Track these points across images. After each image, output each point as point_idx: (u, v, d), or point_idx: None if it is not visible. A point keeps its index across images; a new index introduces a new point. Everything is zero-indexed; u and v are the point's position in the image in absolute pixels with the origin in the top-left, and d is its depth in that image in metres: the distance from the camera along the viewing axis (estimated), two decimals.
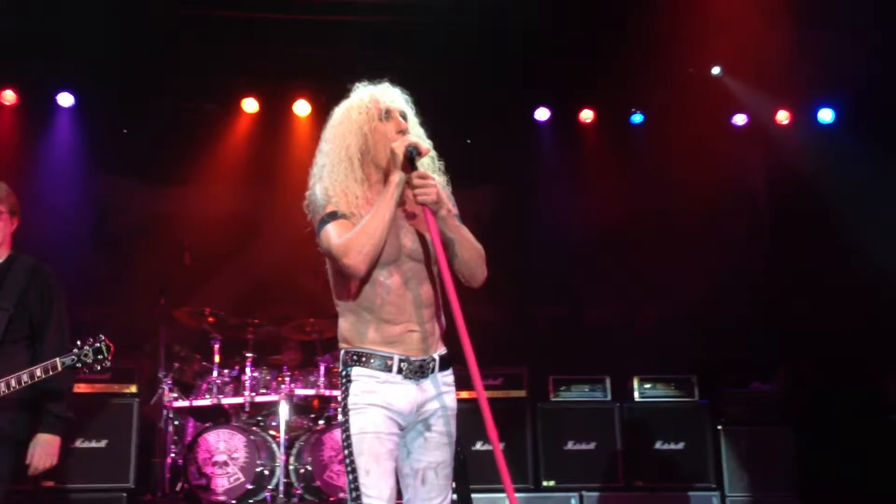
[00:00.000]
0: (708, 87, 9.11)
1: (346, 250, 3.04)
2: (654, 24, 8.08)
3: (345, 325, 3.23)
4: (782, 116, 9.30)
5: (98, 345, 4.07)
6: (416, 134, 3.32)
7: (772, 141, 9.38)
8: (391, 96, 3.29)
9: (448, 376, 3.27)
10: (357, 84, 3.36)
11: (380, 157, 3.23)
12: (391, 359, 3.13)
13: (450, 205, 3.23)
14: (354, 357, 3.17)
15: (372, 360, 3.14)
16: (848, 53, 8.18)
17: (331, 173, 3.20)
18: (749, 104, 9.29)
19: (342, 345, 3.24)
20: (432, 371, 3.20)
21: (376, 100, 3.27)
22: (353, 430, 3.09)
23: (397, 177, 3.12)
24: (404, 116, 3.28)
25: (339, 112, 3.32)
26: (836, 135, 9.20)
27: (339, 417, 3.18)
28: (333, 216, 3.13)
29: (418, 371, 3.16)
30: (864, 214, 8.48)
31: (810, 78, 8.74)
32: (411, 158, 3.11)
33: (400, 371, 3.13)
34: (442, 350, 3.25)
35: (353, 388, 3.14)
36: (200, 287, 8.61)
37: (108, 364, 4.07)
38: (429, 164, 3.30)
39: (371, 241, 3.05)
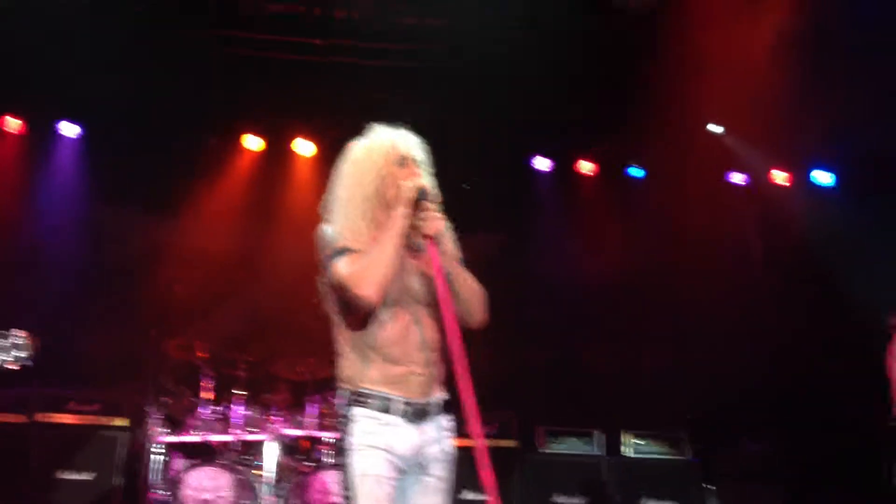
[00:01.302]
0: (707, 144, 9.20)
1: (359, 281, 3.07)
2: (656, 80, 8.17)
3: (347, 363, 3.23)
4: (780, 177, 9.37)
5: (15, 341, 3.68)
6: (431, 180, 3.36)
7: (769, 200, 9.44)
8: (409, 144, 3.35)
9: (447, 421, 3.27)
10: (374, 124, 3.41)
11: (391, 201, 3.25)
12: (392, 400, 3.14)
13: (450, 245, 3.29)
14: (356, 397, 3.16)
15: (373, 401, 3.14)
16: (847, 116, 8.27)
17: (345, 210, 3.25)
18: (747, 163, 9.37)
19: (343, 384, 3.23)
20: (433, 414, 3.21)
21: (396, 145, 3.32)
22: (355, 471, 3.09)
23: (401, 210, 3.17)
24: (420, 164, 3.34)
25: (359, 151, 3.36)
26: (834, 196, 9.26)
27: (339, 458, 3.16)
28: (344, 251, 3.16)
29: (419, 414, 3.17)
30: (859, 274, 8.50)
31: (809, 140, 8.83)
32: (419, 200, 3.18)
33: (402, 414, 3.14)
34: (442, 394, 3.26)
35: (355, 429, 3.13)
36: (194, 321, 8.57)
37: (30, 363, 3.68)
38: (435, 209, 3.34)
39: (381, 270, 3.08)
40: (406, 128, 3.41)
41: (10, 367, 3.74)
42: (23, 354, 3.74)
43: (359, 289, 3.07)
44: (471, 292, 3.27)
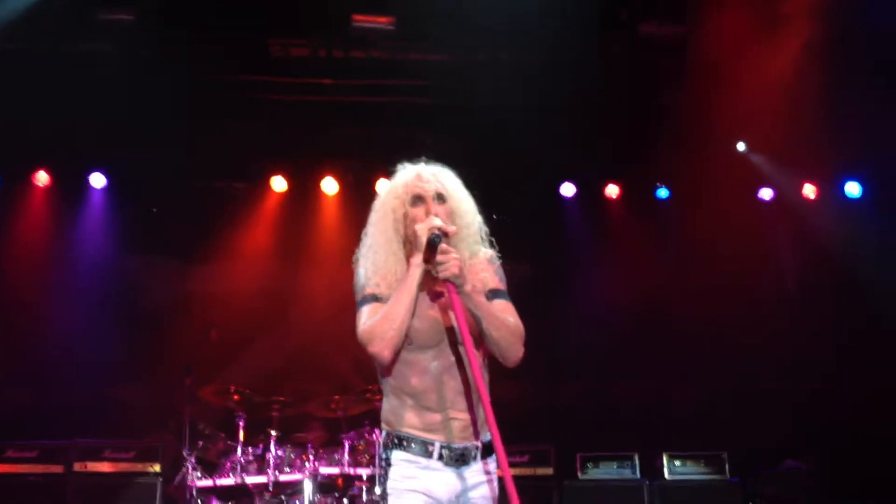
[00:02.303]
0: (733, 162, 9.14)
1: (371, 338, 3.04)
2: (680, 100, 8.16)
3: (387, 406, 3.20)
4: (809, 190, 9.28)
5: None
6: (463, 210, 3.26)
7: (799, 215, 9.35)
8: (425, 178, 3.24)
9: (491, 464, 3.16)
10: (399, 165, 3.34)
11: (412, 239, 3.17)
12: (432, 444, 3.07)
13: (477, 280, 3.15)
14: (395, 440, 3.11)
15: (412, 445, 3.08)
16: (873, 127, 8.20)
17: (373, 254, 3.21)
18: (775, 179, 9.29)
19: (383, 426, 3.19)
20: (475, 458, 3.11)
21: (408, 184, 3.24)
22: None
23: (417, 259, 3.08)
24: (442, 196, 3.22)
25: (381, 193, 3.33)
26: (864, 208, 9.15)
27: (378, 502, 3.11)
28: (368, 300, 3.13)
29: (460, 459, 3.09)
30: (892, 286, 8.37)
31: (836, 152, 8.75)
32: (433, 244, 3.04)
33: (441, 458, 3.07)
34: (486, 436, 3.13)
35: (393, 473, 3.08)
36: (226, 365, 8.60)
37: None
38: (473, 238, 3.26)
39: (392, 326, 3.02)
40: (429, 161, 3.33)
41: None
42: None
43: (371, 346, 3.04)
44: (503, 331, 3.09)
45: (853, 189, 9.23)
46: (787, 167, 9.16)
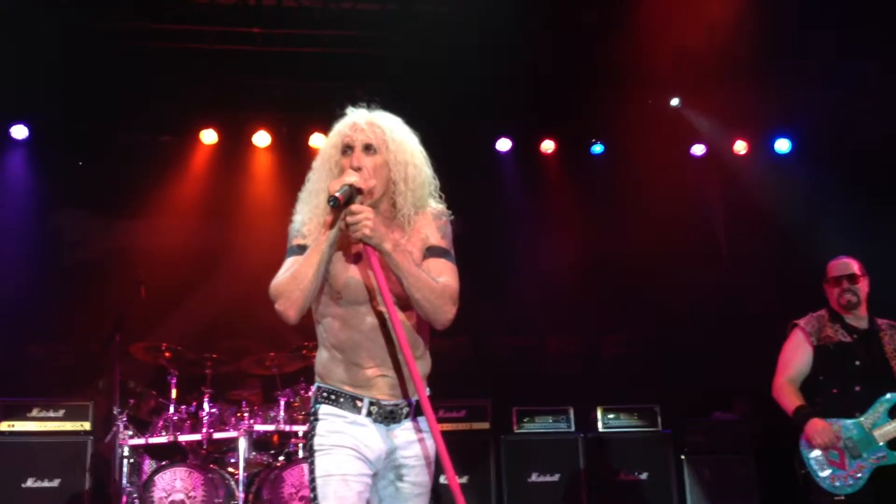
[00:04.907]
0: (667, 118, 9.21)
1: (277, 295, 2.94)
2: (615, 56, 8.16)
3: (319, 359, 3.12)
4: (740, 146, 9.40)
5: None
6: (402, 161, 3.10)
7: (729, 170, 9.48)
8: (358, 127, 3.10)
9: (423, 422, 3.06)
10: (347, 111, 3.21)
11: None
12: (360, 400, 3.00)
13: (416, 238, 3.06)
14: (324, 394, 3.04)
15: (341, 400, 3.01)
16: (804, 85, 8.32)
17: (306, 202, 3.11)
18: (707, 135, 9.40)
19: (316, 378, 3.12)
20: (406, 416, 3.05)
21: (341, 132, 3.12)
22: (319, 472, 2.94)
23: (330, 218, 2.95)
24: (371, 147, 3.06)
25: (323, 142, 3.23)
26: (792, 164, 9.31)
27: (307, 457, 3.05)
28: (293, 251, 3.03)
29: (388, 416, 3.02)
30: (817, 240, 8.55)
31: (767, 109, 8.87)
32: (347, 200, 2.88)
33: (369, 414, 3.00)
34: (417, 394, 3.04)
35: (320, 428, 3.00)
36: (157, 322, 8.45)
37: None
38: (419, 192, 3.12)
39: (298, 287, 2.91)
40: (373, 108, 3.18)
41: None
42: None
43: (277, 303, 2.94)
44: (425, 291, 2.93)
45: (783, 145, 9.39)
46: (720, 124, 9.27)
